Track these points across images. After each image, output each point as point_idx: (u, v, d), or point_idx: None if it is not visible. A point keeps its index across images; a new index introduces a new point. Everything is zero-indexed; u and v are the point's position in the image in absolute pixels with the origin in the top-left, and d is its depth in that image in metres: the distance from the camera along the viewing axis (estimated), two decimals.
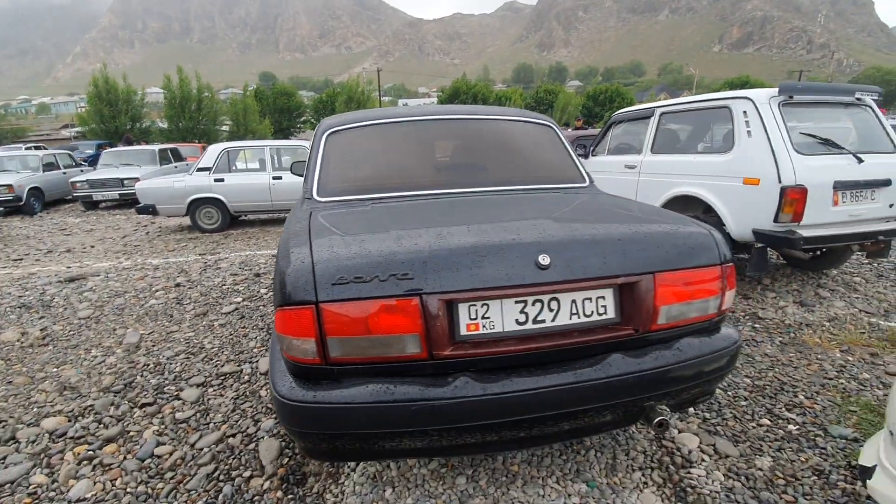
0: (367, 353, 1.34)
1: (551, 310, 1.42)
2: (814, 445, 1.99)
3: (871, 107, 3.78)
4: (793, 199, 3.22)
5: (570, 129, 12.38)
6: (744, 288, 3.98)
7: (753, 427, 2.13)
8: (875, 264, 4.61)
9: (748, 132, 3.48)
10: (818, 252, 4.25)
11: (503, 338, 1.40)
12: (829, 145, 3.45)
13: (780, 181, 3.25)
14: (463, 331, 1.38)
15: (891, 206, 3.62)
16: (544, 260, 1.37)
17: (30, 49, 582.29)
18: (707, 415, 2.23)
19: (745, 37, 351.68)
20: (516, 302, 1.39)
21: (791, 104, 3.50)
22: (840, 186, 3.34)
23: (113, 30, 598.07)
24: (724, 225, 3.63)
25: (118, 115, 27.43)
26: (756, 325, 3.27)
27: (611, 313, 1.47)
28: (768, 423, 2.16)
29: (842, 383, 2.50)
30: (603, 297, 1.46)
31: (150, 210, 7.38)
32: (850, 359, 2.78)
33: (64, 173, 12.13)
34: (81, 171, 12.75)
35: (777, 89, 3.45)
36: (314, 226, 1.70)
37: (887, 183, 3.52)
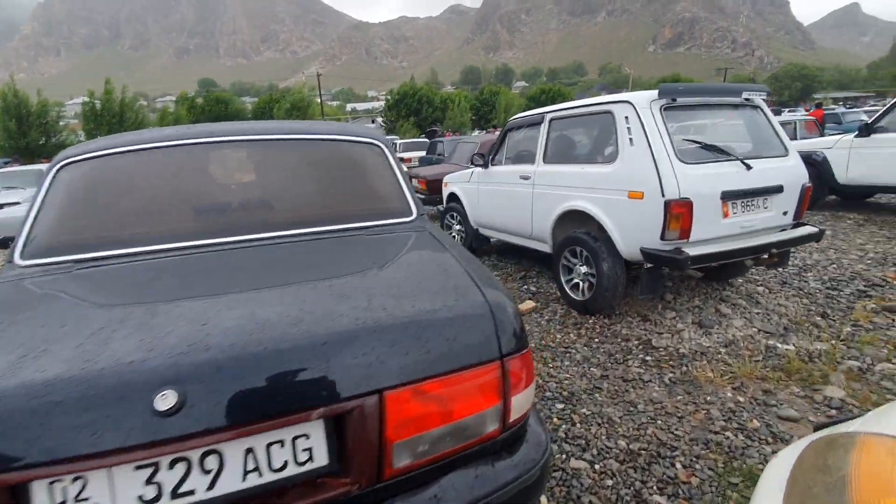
0: None
1: (207, 471, 0.88)
2: None
3: (760, 107, 3.53)
4: (678, 213, 2.87)
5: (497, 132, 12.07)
6: (643, 308, 3.64)
7: None
8: (780, 270, 4.43)
9: (630, 140, 3.12)
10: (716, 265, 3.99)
11: None
12: (715, 151, 3.14)
13: (663, 194, 2.89)
14: None
15: (784, 213, 3.37)
16: (164, 403, 0.83)
17: None
18: None
19: (676, 37, 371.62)
20: (138, 468, 0.84)
21: (675, 108, 3.17)
22: (729, 196, 3.04)
23: (36, 37, 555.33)
24: (615, 244, 3.26)
25: (28, 131, 25.11)
26: (648, 358, 2.89)
27: (321, 459, 0.95)
28: None
29: (728, 438, 2.12)
30: (306, 436, 0.94)
31: (7, 244, 6.34)
32: (742, 399, 2.42)
33: None
34: None
35: (657, 91, 3.11)
36: None
37: (779, 189, 3.25)
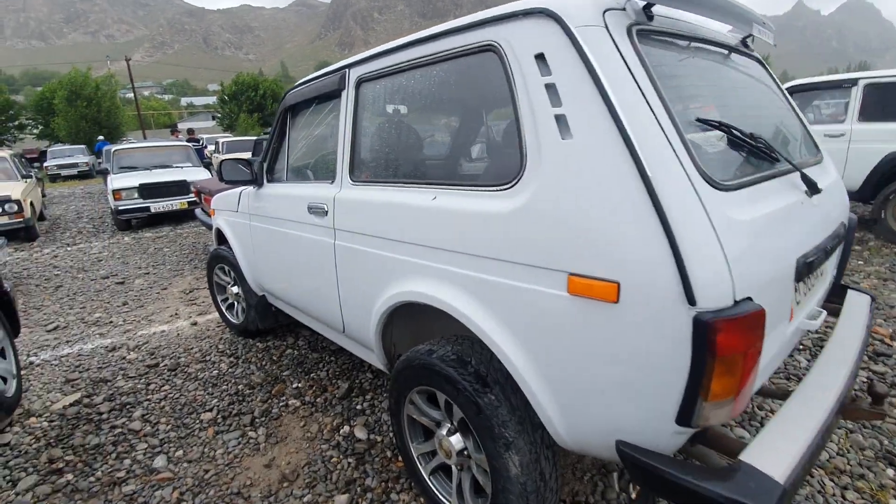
0: None
1: None
2: None
3: (763, 64, 1.80)
4: (729, 352, 0.89)
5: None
6: None
7: None
8: None
9: (561, 121, 1.06)
10: None
11: None
12: (756, 150, 1.25)
13: (690, 296, 0.88)
14: None
15: (832, 277, 1.68)
16: None
17: None
18: None
19: None
20: None
21: (651, 34, 1.20)
22: (804, 271, 1.17)
23: None
24: (547, 423, 1.19)
25: None
26: None
27: None
28: None
29: None
30: None
31: None
32: None
33: None
34: None
35: None
36: None
37: (842, 233, 1.53)
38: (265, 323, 2.96)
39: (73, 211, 9.86)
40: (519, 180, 1.15)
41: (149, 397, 2.55)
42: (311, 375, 2.68)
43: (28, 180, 7.69)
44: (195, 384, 2.66)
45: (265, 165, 2.46)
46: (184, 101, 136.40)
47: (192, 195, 7.48)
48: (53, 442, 2.21)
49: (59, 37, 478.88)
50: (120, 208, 7.12)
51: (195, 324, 3.57)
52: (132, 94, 39.90)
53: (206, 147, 13.56)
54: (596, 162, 1.00)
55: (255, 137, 15.29)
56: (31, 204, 7.14)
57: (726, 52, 1.60)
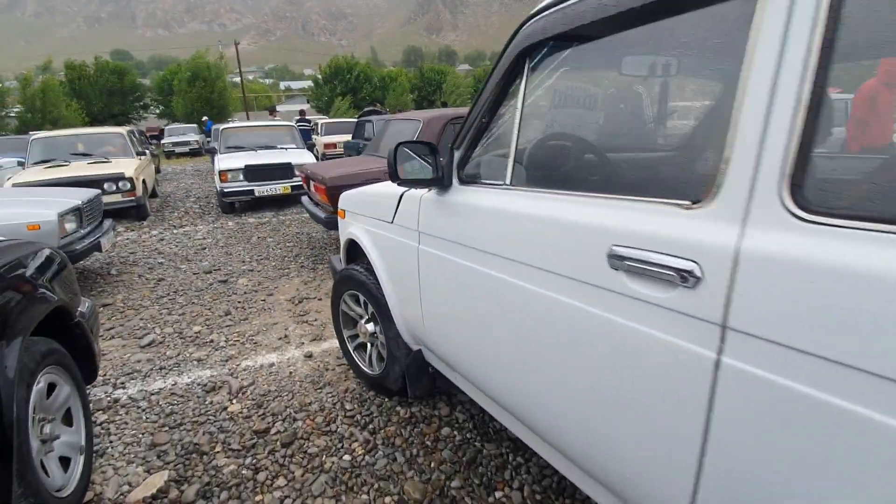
0: None
1: None
2: None
3: None
4: None
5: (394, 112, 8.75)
6: None
7: None
8: None
9: None
10: None
11: None
12: None
13: None
14: None
15: None
16: None
17: None
18: None
19: None
20: None
21: None
22: None
23: None
24: None
25: None
26: None
27: None
28: None
29: None
30: None
31: None
32: None
33: None
34: None
35: None
36: None
37: None
38: (417, 390, 1.99)
39: (182, 189, 9.89)
40: None
41: (258, 501, 1.69)
42: (498, 496, 1.67)
43: (142, 157, 7.57)
44: (321, 482, 1.76)
45: (457, 155, 1.43)
46: (282, 84, 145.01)
47: (297, 179, 6.89)
48: None
49: (181, 26, 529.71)
50: (225, 190, 6.71)
51: (310, 356, 2.74)
52: (238, 79, 42.45)
53: (313, 130, 13.30)
54: None
55: (354, 119, 14.72)
56: (144, 182, 6.96)
57: None
